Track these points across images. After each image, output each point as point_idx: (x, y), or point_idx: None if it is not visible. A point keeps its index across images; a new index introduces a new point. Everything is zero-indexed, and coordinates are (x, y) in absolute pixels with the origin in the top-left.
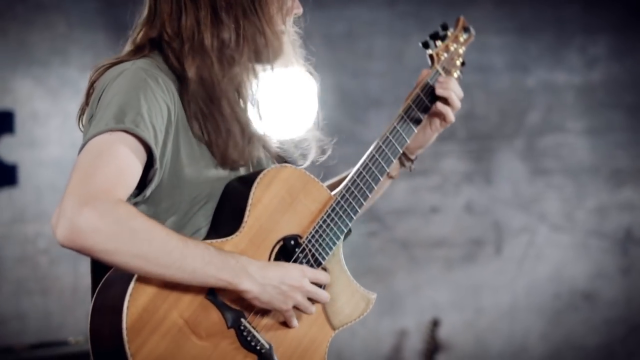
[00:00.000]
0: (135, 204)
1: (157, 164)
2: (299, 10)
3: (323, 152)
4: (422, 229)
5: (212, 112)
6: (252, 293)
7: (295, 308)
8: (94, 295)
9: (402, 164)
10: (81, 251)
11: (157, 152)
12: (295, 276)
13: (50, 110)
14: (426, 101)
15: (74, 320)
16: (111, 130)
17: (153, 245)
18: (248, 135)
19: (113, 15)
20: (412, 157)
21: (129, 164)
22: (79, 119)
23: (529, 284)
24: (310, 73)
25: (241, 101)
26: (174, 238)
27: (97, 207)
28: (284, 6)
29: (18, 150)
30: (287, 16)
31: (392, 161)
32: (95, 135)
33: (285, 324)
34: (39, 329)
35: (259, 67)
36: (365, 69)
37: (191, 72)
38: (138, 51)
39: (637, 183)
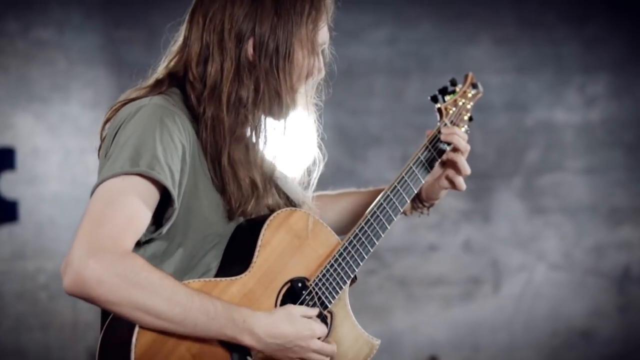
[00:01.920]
0: (151, 240)
1: (177, 204)
2: (320, 75)
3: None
4: (420, 267)
5: (217, 162)
6: (255, 348)
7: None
8: (103, 328)
9: (414, 208)
10: (86, 300)
11: (174, 193)
12: (304, 336)
13: (51, 146)
14: (434, 152)
15: (74, 355)
16: (125, 173)
17: (156, 301)
18: (248, 190)
19: (114, 51)
20: (427, 205)
21: (139, 209)
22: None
23: (526, 322)
24: (320, 148)
25: (249, 154)
26: (180, 294)
27: (103, 259)
28: (306, 71)
29: (19, 186)
30: (308, 78)
31: (399, 210)
32: (109, 178)
33: None
34: None
35: (269, 121)
36: (364, 106)
37: (207, 117)
38: (157, 86)
39: (635, 222)
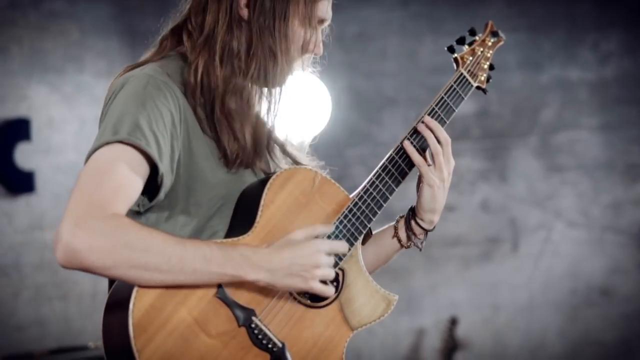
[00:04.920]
0: (147, 210)
1: (162, 169)
2: (318, 52)
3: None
4: (438, 228)
5: (211, 112)
6: (263, 281)
7: (324, 281)
8: (108, 294)
9: (408, 238)
10: (82, 270)
11: (157, 158)
12: (307, 254)
13: (66, 116)
14: (442, 115)
15: (94, 325)
16: (108, 143)
17: (150, 254)
18: (245, 142)
19: (126, 21)
20: (430, 227)
21: (126, 176)
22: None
23: (545, 281)
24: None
25: (245, 108)
26: (171, 243)
27: (90, 227)
28: (303, 42)
29: (35, 157)
30: (305, 52)
31: (406, 172)
32: (95, 150)
33: (300, 322)
34: (59, 334)
35: (263, 86)
36: (378, 69)
37: (199, 69)
38: (160, 49)
39: None
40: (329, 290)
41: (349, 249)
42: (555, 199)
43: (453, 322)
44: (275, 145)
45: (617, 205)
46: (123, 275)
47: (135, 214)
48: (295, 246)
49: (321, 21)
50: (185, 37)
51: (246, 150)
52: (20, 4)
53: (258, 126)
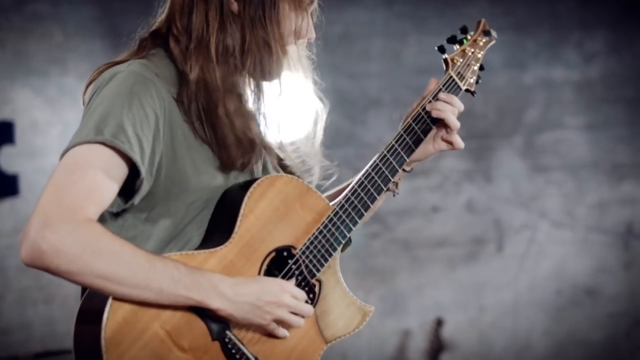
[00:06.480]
0: (124, 211)
1: (143, 174)
2: (311, 35)
3: (326, 177)
4: (423, 229)
5: (210, 115)
6: (225, 311)
7: (279, 322)
8: (81, 301)
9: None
10: (46, 271)
11: (140, 163)
12: (273, 291)
13: (50, 119)
14: (428, 120)
15: None
16: (89, 142)
17: (117, 266)
18: (247, 142)
19: (109, 22)
20: (408, 168)
21: (103, 179)
22: None
23: (531, 281)
24: (321, 100)
25: (242, 107)
26: (141, 258)
27: (60, 229)
28: (295, 27)
29: (19, 160)
30: (298, 38)
31: (389, 179)
32: (74, 146)
33: (274, 335)
34: (44, 337)
35: (261, 79)
36: (363, 70)
37: (194, 72)
38: (139, 49)
39: (637, 177)
40: (282, 333)
41: (307, 299)
42: (540, 199)
43: (439, 323)
44: (268, 146)
45: (603, 205)
46: (88, 283)
47: (110, 214)
48: (262, 282)
49: (310, 1)
50: (172, 44)
51: (248, 155)
52: (3, 7)
53: (255, 126)
